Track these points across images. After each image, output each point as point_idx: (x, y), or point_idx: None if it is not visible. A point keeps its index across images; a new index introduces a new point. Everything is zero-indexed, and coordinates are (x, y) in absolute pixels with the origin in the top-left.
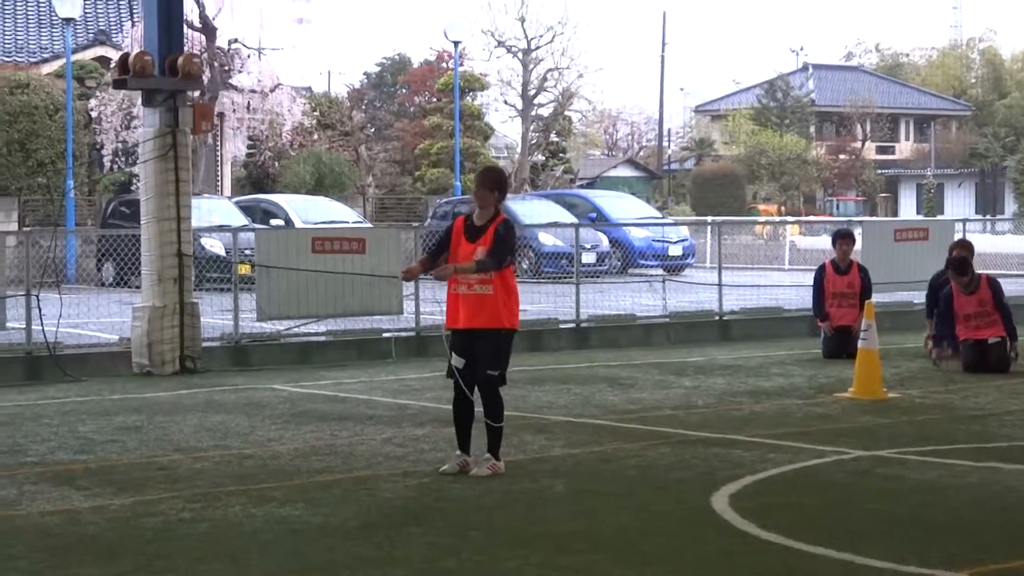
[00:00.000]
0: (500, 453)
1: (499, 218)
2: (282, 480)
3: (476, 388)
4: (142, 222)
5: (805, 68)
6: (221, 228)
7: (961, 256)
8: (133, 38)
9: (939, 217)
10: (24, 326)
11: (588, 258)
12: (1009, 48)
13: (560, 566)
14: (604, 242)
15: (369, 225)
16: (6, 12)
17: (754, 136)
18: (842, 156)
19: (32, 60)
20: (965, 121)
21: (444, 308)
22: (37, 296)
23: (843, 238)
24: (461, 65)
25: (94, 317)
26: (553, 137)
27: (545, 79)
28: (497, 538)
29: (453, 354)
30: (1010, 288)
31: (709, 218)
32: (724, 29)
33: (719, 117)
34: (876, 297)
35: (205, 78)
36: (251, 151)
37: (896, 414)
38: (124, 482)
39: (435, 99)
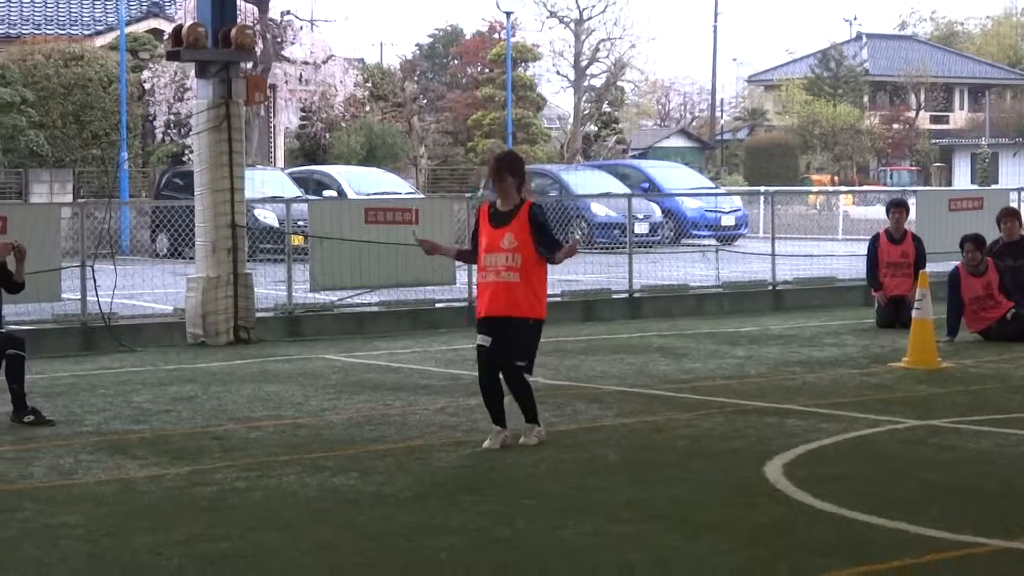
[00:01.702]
0: (549, 421)
1: (527, 204)
2: (336, 449)
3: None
4: (196, 193)
5: (859, 37)
6: (274, 199)
7: (978, 234)
8: (186, 10)
9: (994, 186)
10: (79, 297)
11: (641, 228)
12: None
13: (613, 535)
14: (657, 212)
15: (421, 196)
16: None
17: (807, 106)
18: (896, 126)
19: (86, 33)
20: (1020, 90)
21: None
22: (92, 267)
23: (897, 207)
24: (513, 36)
25: (148, 288)
26: (605, 107)
27: (597, 49)
28: (550, 507)
29: (480, 335)
30: None
31: (762, 188)
32: None
33: (772, 87)
34: (930, 267)
35: (258, 50)
36: (304, 122)
37: (950, 383)
38: (179, 451)
39: (487, 70)
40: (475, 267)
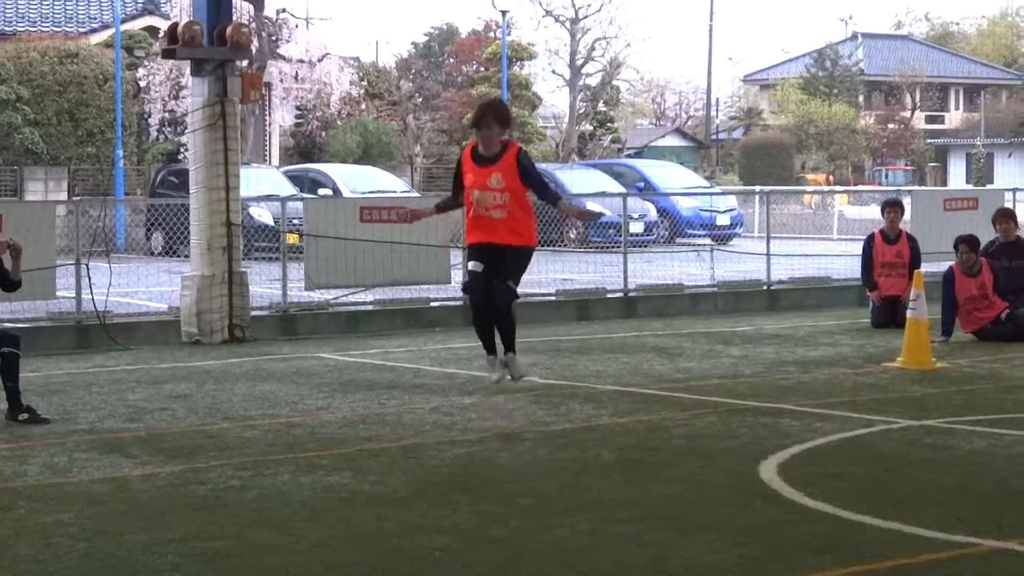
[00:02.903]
0: (544, 421)
1: (514, 147)
2: (330, 448)
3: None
4: (191, 191)
5: (854, 37)
6: (269, 197)
7: (972, 235)
8: (181, 8)
9: (989, 187)
10: (74, 295)
11: (636, 228)
12: None
13: (608, 534)
14: (652, 212)
15: (417, 194)
16: None
17: (803, 105)
18: (891, 125)
19: (81, 30)
20: (1015, 90)
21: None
22: (87, 265)
23: (892, 207)
24: (509, 35)
25: (143, 286)
26: (601, 107)
27: (593, 48)
28: (545, 506)
29: (471, 262)
30: None
31: (757, 188)
32: None
33: (767, 86)
34: (925, 267)
35: (253, 48)
36: (299, 121)
37: (945, 384)
38: (173, 450)
39: (483, 68)
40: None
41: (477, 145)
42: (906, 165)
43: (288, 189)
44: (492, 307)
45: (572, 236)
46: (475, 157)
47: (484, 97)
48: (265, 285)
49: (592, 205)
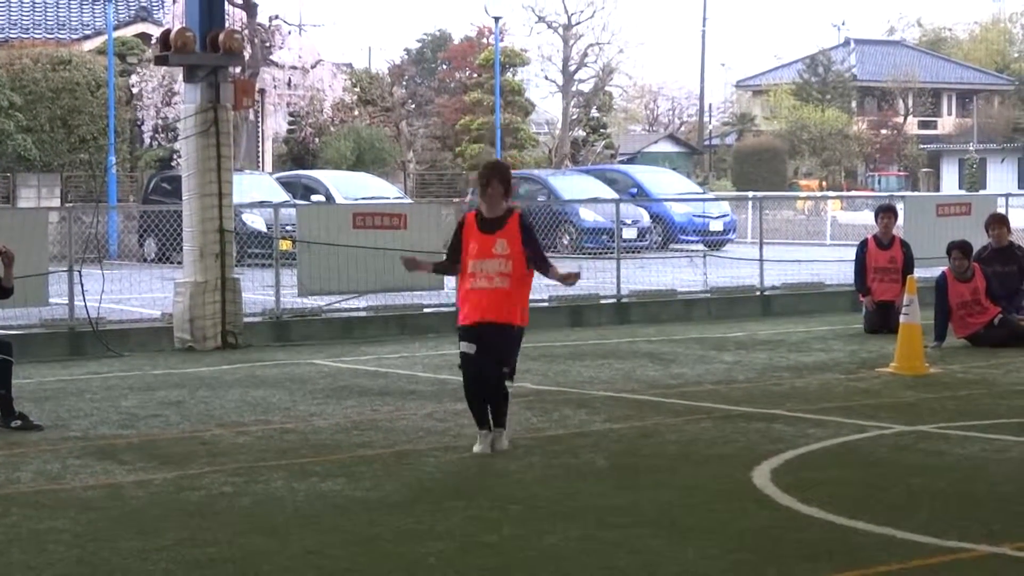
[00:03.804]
0: (537, 427)
1: (517, 212)
2: (323, 455)
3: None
4: (184, 198)
5: (847, 43)
6: (262, 204)
7: (964, 241)
8: (174, 14)
9: (981, 192)
10: (67, 302)
11: (629, 233)
12: None
13: (601, 540)
14: (645, 217)
15: (410, 201)
16: None
17: (795, 111)
18: (884, 131)
19: (74, 37)
20: (1008, 96)
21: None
22: (80, 272)
23: (885, 213)
24: (502, 41)
25: (136, 292)
26: (594, 112)
27: (586, 54)
28: (538, 512)
29: (462, 342)
30: None
31: (750, 193)
32: (765, 3)
33: (760, 92)
34: (918, 272)
35: (246, 54)
36: (292, 127)
37: (938, 389)
38: (166, 456)
39: (476, 75)
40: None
41: (480, 211)
42: (899, 171)
43: (281, 195)
44: (486, 386)
45: (565, 242)
46: (480, 223)
47: (477, 104)
48: (258, 291)
49: (585, 212)
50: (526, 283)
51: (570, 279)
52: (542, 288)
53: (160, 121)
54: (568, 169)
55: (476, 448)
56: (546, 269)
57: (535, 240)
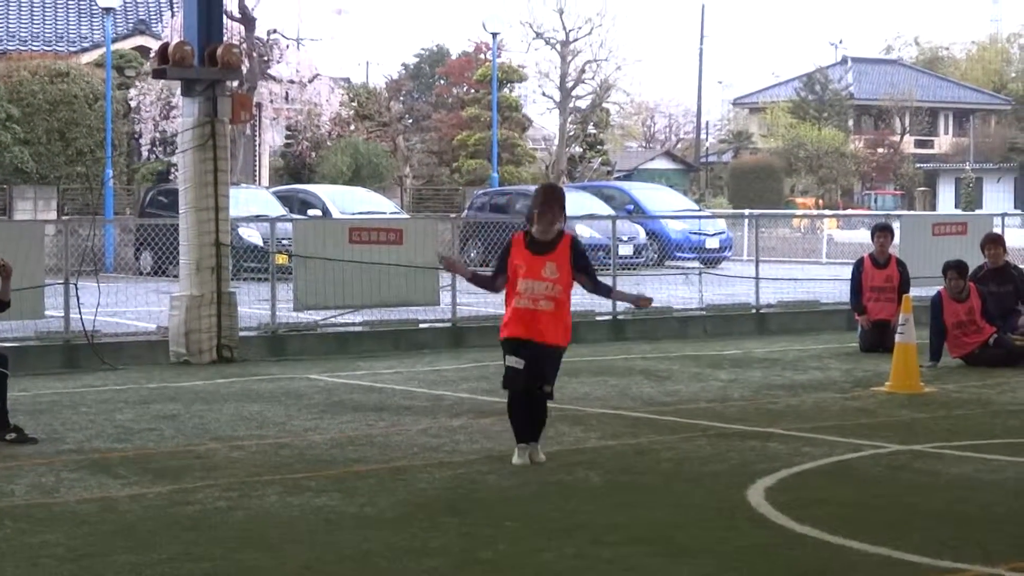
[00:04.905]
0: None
1: (568, 235)
2: (318, 470)
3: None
4: (180, 211)
5: (844, 61)
6: (259, 218)
7: (960, 261)
8: (172, 28)
9: (978, 211)
10: (62, 314)
11: (625, 250)
12: None
13: (596, 558)
14: (641, 234)
15: (406, 216)
16: (47, 2)
17: (792, 129)
18: (880, 150)
19: (72, 49)
20: (1004, 115)
21: (479, 299)
22: (75, 284)
23: (881, 231)
24: (499, 56)
25: (132, 306)
26: (591, 129)
27: (583, 71)
28: (533, 529)
29: (510, 357)
30: None
31: (746, 211)
32: (763, 22)
33: (757, 110)
34: (914, 291)
35: (244, 68)
36: (289, 141)
37: (933, 408)
38: (161, 470)
39: (473, 90)
40: (458, 287)
41: (530, 232)
42: (895, 189)
43: (277, 210)
44: (530, 402)
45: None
46: (529, 244)
47: (474, 120)
48: (254, 305)
49: (581, 228)
50: (568, 305)
51: (643, 303)
52: None
53: (158, 134)
54: (565, 185)
55: (516, 460)
56: (607, 292)
57: (589, 264)
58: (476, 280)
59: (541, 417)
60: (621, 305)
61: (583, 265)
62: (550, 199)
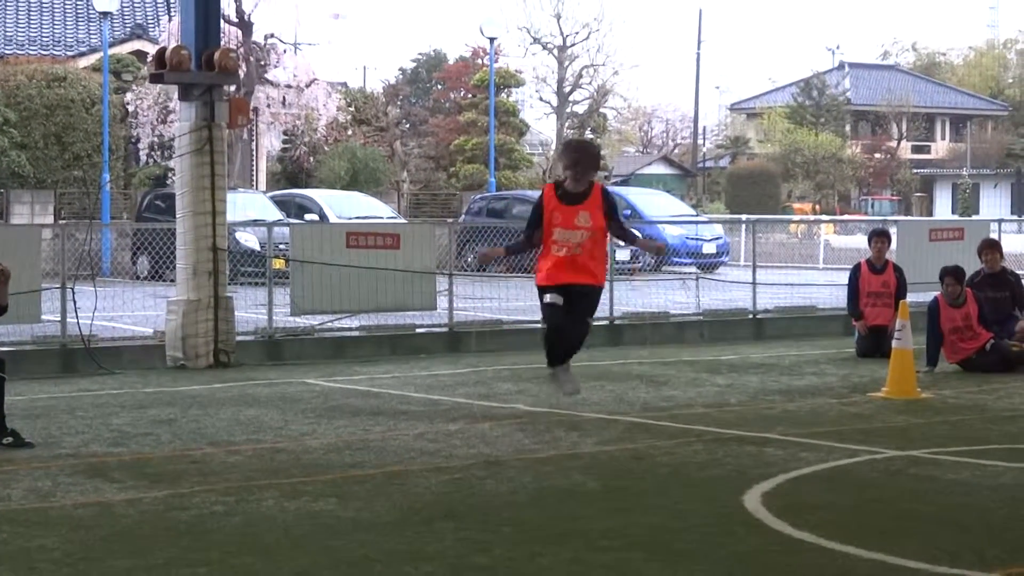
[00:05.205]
0: (528, 448)
1: (598, 184)
2: (315, 474)
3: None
4: (177, 216)
5: (841, 66)
6: (256, 222)
7: (957, 267)
8: (170, 32)
9: (974, 217)
10: (59, 319)
11: (622, 255)
12: None
13: (592, 563)
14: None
15: (403, 220)
16: (44, 6)
17: (789, 134)
18: (877, 155)
19: (69, 54)
20: (1001, 121)
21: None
22: (72, 289)
23: (879, 237)
24: (496, 61)
25: (129, 310)
26: (588, 134)
27: (580, 76)
28: (529, 534)
29: (548, 293)
30: None
31: (743, 216)
32: (760, 27)
33: (754, 115)
34: (910, 297)
35: (241, 73)
36: (286, 146)
37: (929, 414)
38: (157, 475)
39: (470, 95)
40: (455, 291)
41: (561, 183)
42: (892, 195)
43: (275, 214)
44: (566, 334)
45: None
46: (561, 196)
47: (471, 125)
48: (251, 310)
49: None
50: (604, 251)
51: (661, 250)
52: (535, 309)
53: (156, 139)
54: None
55: (567, 388)
56: (632, 239)
57: (618, 211)
58: (513, 250)
59: (576, 344)
60: (618, 310)
61: (613, 212)
62: (581, 154)
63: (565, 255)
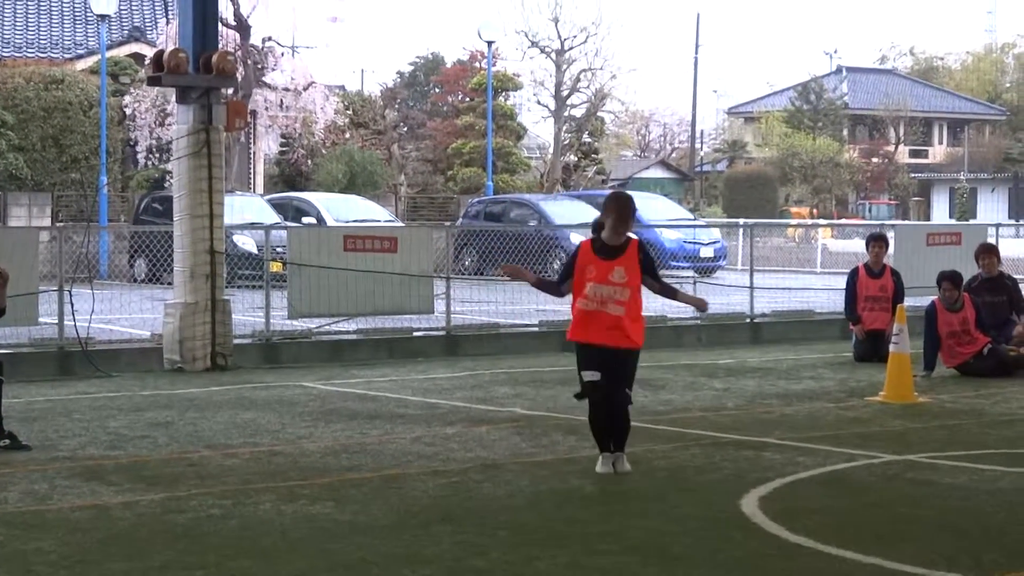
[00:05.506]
0: (526, 452)
1: (635, 240)
2: (312, 478)
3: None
4: (175, 219)
5: (839, 71)
6: (253, 226)
7: (955, 272)
8: (168, 35)
9: (972, 222)
10: (56, 321)
11: None
12: None
13: (589, 567)
14: None
15: (401, 224)
16: (42, 8)
17: (787, 138)
18: (875, 159)
19: (67, 56)
20: (999, 125)
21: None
22: (70, 291)
23: (877, 241)
24: (494, 65)
25: (126, 313)
26: (585, 138)
27: (578, 80)
28: (526, 538)
29: (586, 372)
30: None
31: (741, 220)
32: (758, 31)
33: (752, 119)
34: (908, 301)
35: (239, 76)
36: (284, 149)
37: (927, 418)
38: (154, 478)
39: (468, 98)
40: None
41: (598, 238)
42: (889, 199)
43: (272, 217)
44: (611, 412)
45: (556, 267)
46: (599, 251)
47: (469, 128)
48: (248, 313)
49: (576, 237)
50: (638, 306)
51: (703, 306)
52: (532, 313)
53: (153, 141)
54: (559, 194)
55: (599, 468)
56: (672, 294)
57: (655, 267)
58: (541, 285)
59: (624, 425)
60: None
61: (650, 268)
62: (622, 208)
63: (599, 310)
